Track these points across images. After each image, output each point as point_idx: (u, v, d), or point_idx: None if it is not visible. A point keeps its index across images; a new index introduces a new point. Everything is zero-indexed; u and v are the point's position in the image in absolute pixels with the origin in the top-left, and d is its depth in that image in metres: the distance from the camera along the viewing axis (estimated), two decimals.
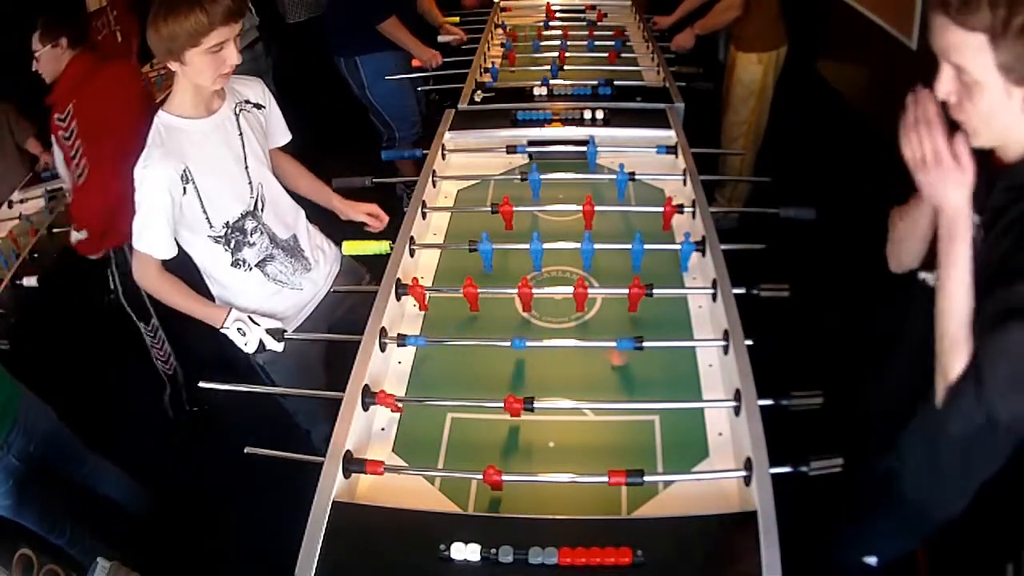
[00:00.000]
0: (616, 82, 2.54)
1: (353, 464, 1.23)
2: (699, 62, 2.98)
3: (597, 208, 1.82)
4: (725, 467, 1.25)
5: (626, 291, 1.56)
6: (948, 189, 1.09)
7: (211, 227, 1.70)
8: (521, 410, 1.30)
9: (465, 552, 1.08)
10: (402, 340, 1.50)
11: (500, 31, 3.32)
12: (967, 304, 1.10)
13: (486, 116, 2.40)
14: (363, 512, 1.19)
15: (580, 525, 1.14)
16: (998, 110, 1.03)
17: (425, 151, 2.20)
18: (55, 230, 2.88)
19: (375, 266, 1.78)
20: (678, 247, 1.70)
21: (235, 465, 1.61)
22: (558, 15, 3.46)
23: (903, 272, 1.37)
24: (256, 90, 1.83)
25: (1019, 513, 1.72)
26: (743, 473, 1.18)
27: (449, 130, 2.29)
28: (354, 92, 3.45)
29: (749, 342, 1.37)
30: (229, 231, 1.73)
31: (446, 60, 3.21)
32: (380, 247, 1.81)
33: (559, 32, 3.18)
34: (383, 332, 1.50)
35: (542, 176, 1.99)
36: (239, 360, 1.90)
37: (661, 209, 1.83)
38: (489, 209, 1.86)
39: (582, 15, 3.44)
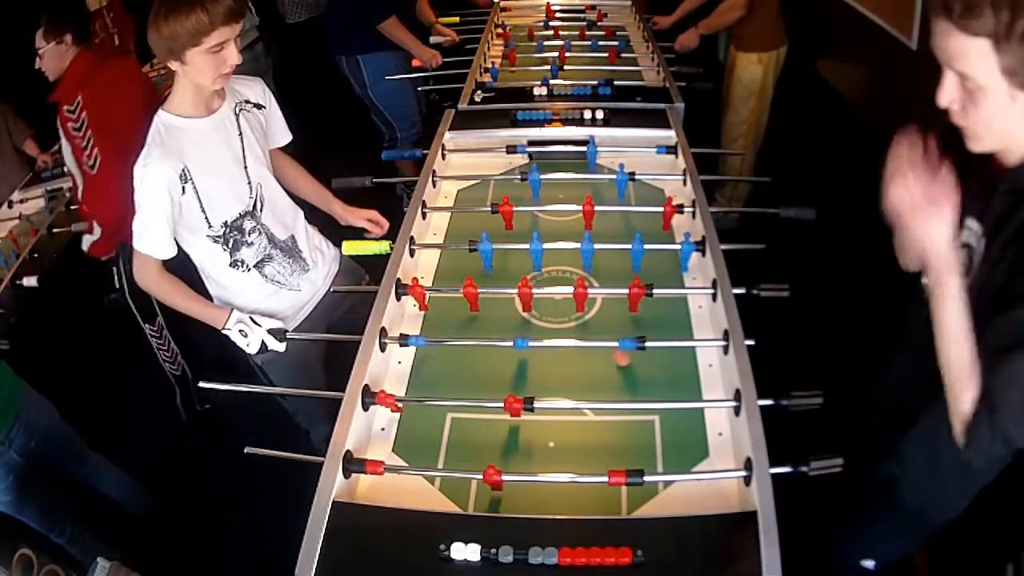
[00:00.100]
0: (616, 82, 2.54)
1: (353, 464, 1.23)
2: (699, 62, 2.98)
3: (597, 208, 1.82)
4: (725, 467, 1.25)
5: (626, 291, 1.56)
6: (932, 228, 1.08)
7: (210, 227, 1.70)
8: (521, 410, 1.30)
9: (465, 552, 1.08)
10: (404, 340, 1.50)
11: (499, 30, 3.31)
12: (966, 343, 1.09)
13: (486, 116, 2.40)
14: (363, 512, 1.19)
15: (580, 525, 1.14)
16: (1002, 115, 1.02)
17: (425, 151, 2.20)
18: (55, 230, 2.88)
19: (375, 266, 1.78)
20: (678, 247, 1.70)
21: (235, 465, 1.61)
22: (558, 15, 3.46)
23: (914, 271, 1.36)
24: (256, 90, 1.83)
25: (1019, 513, 1.72)
26: (743, 473, 1.18)
27: (449, 130, 2.29)
28: (355, 92, 3.45)
29: (750, 342, 1.37)
30: (227, 231, 1.73)
31: (446, 60, 3.21)
32: (380, 247, 1.81)
33: (559, 32, 3.18)
34: (383, 332, 1.50)
35: (542, 176, 1.99)
36: (239, 360, 1.90)
37: (661, 209, 1.83)
38: (489, 209, 1.86)
39: (582, 15, 3.44)
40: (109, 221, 2.23)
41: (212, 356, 2.58)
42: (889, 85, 3.20)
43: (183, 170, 1.60)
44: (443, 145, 2.23)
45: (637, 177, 1.98)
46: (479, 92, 2.55)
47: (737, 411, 1.29)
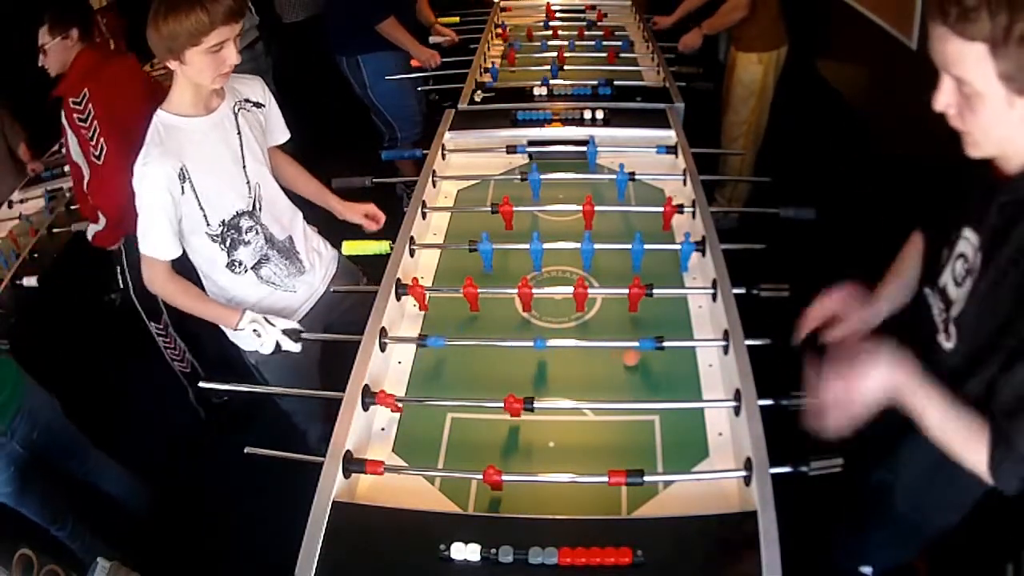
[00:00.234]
0: (616, 82, 2.54)
1: (353, 464, 1.23)
2: (699, 62, 2.99)
3: (597, 208, 1.82)
4: (725, 467, 1.25)
5: (626, 291, 1.56)
6: (868, 398, 1.10)
7: (208, 224, 1.70)
8: (521, 410, 1.30)
9: (465, 552, 1.08)
10: (423, 340, 1.49)
11: (499, 30, 3.32)
12: (958, 422, 1.09)
13: (486, 116, 2.40)
14: (363, 512, 1.19)
15: (580, 525, 1.14)
16: (999, 121, 1.00)
17: (425, 151, 2.20)
18: (55, 230, 2.88)
19: (375, 266, 1.78)
20: (678, 247, 1.70)
21: (235, 465, 1.61)
22: (558, 15, 3.46)
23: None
24: (256, 89, 1.83)
25: (1018, 514, 1.72)
26: (743, 473, 1.18)
27: (449, 130, 2.29)
28: (356, 92, 3.45)
29: (766, 340, 1.38)
30: (225, 229, 1.73)
31: (446, 60, 3.21)
32: (380, 247, 1.81)
33: (559, 32, 3.18)
34: (383, 332, 1.50)
35: (542, 176, 1.99)
36: (238, 359, 1.90)
37: (661, 209, 1.83)
38: (489, 209, 1.86)
39: (582, 15, 3.44)
40: (114, 211, 2.24)
41: (214, 354, 2.58)
42: (889, 85, 3.19)
43: (182, 169, 1.60)
44: (443, 145, 2.23)
45: (637, 177, 1.98)
46: (479, 92, 2.55)
47: (737, 411, 1.29)
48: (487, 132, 2.30)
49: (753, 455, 1.16)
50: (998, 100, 0.97)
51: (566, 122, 2.28)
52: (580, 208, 1.82)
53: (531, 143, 2.20)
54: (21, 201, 3.09)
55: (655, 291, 1.55)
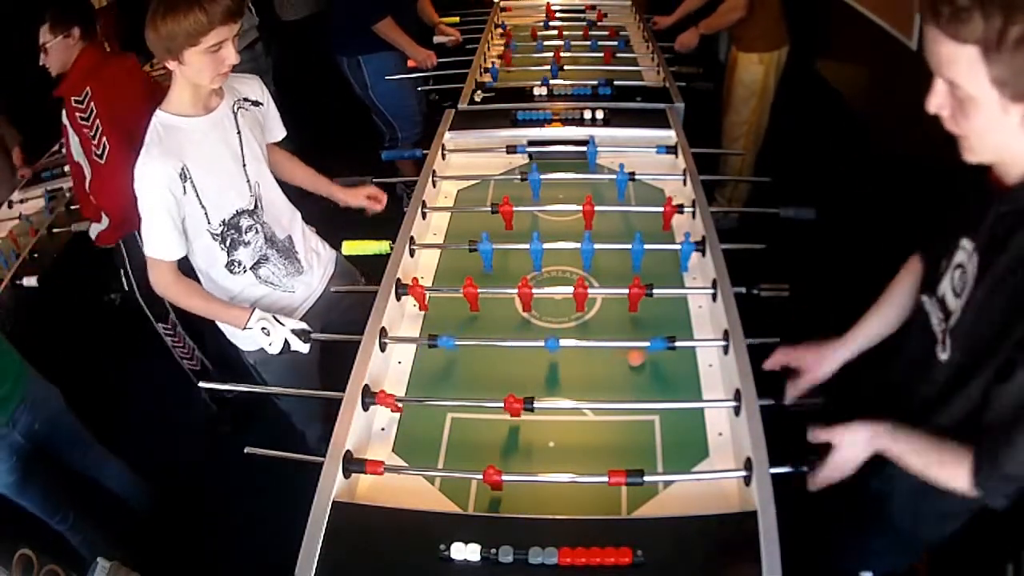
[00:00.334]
0: (616, 82, 2.54)
1: (353, 464, 1.23)
2: (699, 62, 2.98)
3: (597, 208, 1.82)
4: (725, 467, 1.25)
5: (626, 291, 1.56)
6: (863, 453, 1.19)
7: (208, 223, 1.70)
8: (521, 410, 1.30)
9: (465, 552, 1.08)
10: (433, 341, 1.48)
11: (500, 30, 3.31)
12: (934, 454, 1.13)
13: (486, 116, 2.40)
14: (363, 512, 1.19)
15: (580, 525, 1.14)
16: (993, 127, 0.97)
17: (425, 151, 2.20)
18: (55, 230, 2.88)
19: (375, 266, 1.77)
20: (678, 247, 1.70)
21: (235, 465, 1.61)
22: (558, 15, 3.45)
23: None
24: (254, 87, 1.83)
25: (1018, 514, 1.72)
26: (743, 473, 1.18)
27: (449, 130, 2.29)
28: (356, 92, 3.45)
29: (774, 339, 1.40)
30: (225, 228, 1.73)
31: (446, 60, 3.20)
32: (380, 247, 1.81)
33: (558, 32, 3.18)
34: (383, 332, 1.50)
35: (542, 176, 1.99)
36: (238, 359, 1.90)
37: (661, 209, 1.83)
38: (489, 209, 1.86)
39: (582, 15, 3.44)
40: (116, 210, 2.24)
41: (213, 354, 2.57)
42: (889, 85, 3.19)
43: (183, 169, 1.60)
44: (443, 145, 2.23)
45: (637, 177, 1.98)
46: (479, 92, 2.55)
47: (737, 411, 1.29)
48: (487, 132, 2.30)
49: (753, 455, 1.16)
50: (991, 105, 0.94)
51: (566, 122, 2.28)
52: (580, 208, 1.82)
53: (531, 143, 2.20)
54: (21, 201, 3.09)
55: (655, 291, 1.55)
